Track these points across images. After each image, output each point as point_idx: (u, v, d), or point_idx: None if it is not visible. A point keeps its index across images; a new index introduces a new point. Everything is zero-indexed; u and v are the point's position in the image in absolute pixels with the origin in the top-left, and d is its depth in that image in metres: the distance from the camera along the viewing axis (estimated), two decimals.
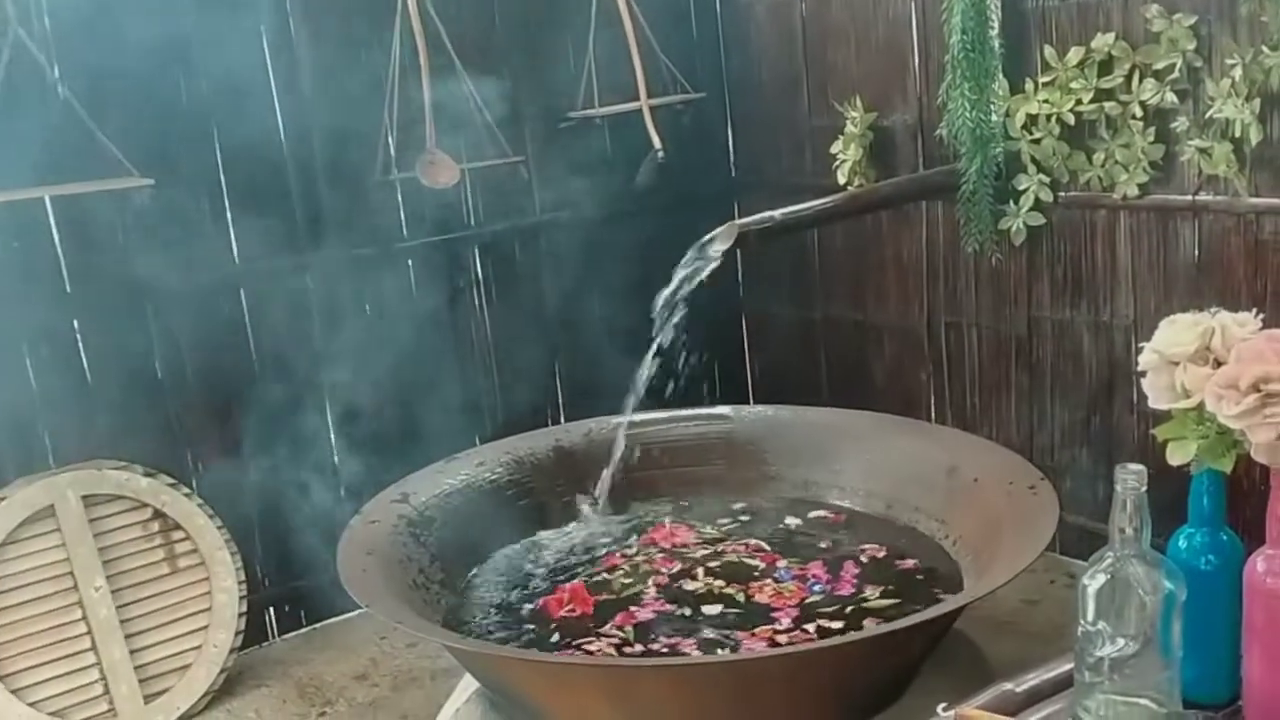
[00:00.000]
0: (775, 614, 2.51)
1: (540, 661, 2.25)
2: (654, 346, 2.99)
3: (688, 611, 2.52)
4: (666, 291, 2.98)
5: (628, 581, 2.67)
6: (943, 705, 1.80)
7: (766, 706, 2.16)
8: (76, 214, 3.18)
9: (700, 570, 2.70)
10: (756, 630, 2.42)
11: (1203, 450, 1.68)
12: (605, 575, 2.72)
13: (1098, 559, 1.74)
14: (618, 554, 2.82)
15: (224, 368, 3.46)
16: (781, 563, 2.75)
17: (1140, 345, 1.88)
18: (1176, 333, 1.74)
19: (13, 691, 3.01)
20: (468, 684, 2.59)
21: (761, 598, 2.59)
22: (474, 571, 2.77)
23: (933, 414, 3.87)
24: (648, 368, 3.04)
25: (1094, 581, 1.71)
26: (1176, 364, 1.72)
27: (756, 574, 2.69)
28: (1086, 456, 3.45)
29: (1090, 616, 1.71)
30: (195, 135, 3.33)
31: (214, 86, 3.34)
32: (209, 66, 3.32)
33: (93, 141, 3.04)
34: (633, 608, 2.54)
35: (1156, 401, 1.79)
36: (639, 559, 2.78)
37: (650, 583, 2.65)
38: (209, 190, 3.38)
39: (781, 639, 2.37)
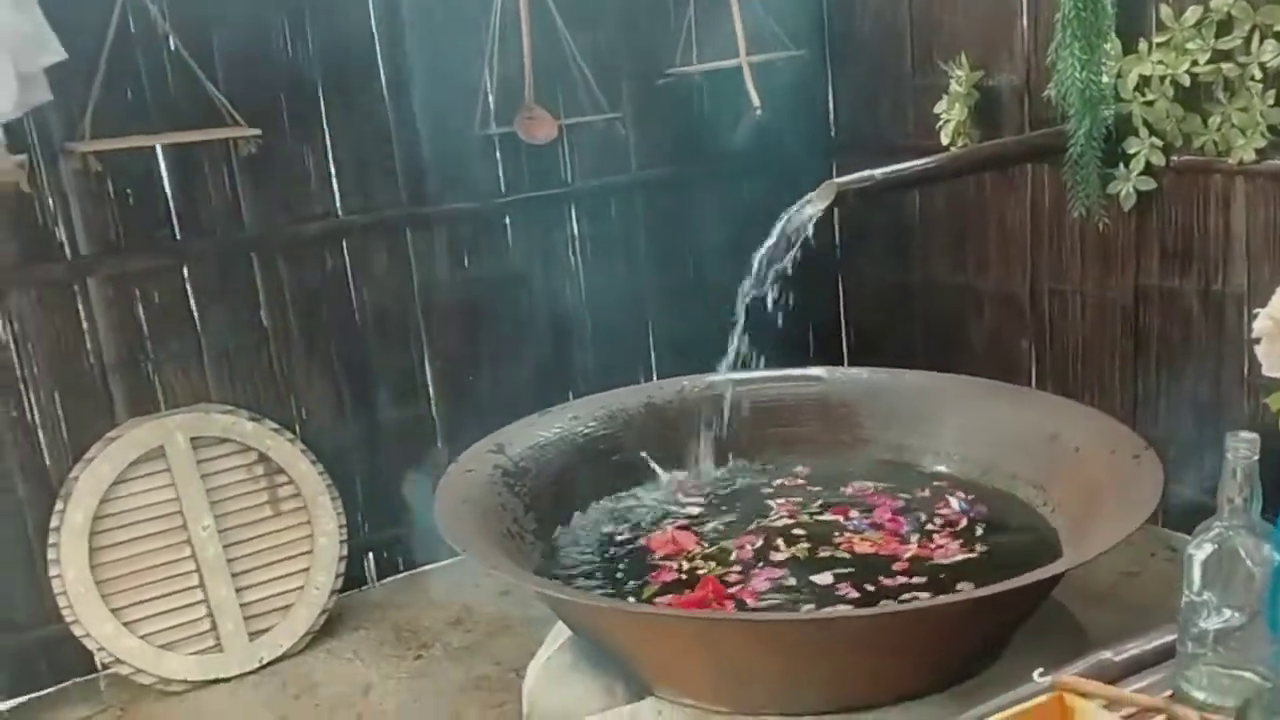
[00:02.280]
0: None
1: (632, 612, 2.27)
2: (747, 305, 2.97)
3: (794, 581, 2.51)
4: (763, 250, 2.95)
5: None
6: (1039, 671, 1.78)
7: (857, 667, 2.17)
8: (186, 163, 3.26)
9: (782, 541, 2.70)
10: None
11: None
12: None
13: (1205, 528, 1.71)
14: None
15: (327, 317, 3.54)
16: (854, 513, 2.79)
17: (1255, 313, 1.83)
18: None
19: (125, 624, 3.13)
20: (560, 632, 2.63)
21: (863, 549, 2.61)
22: (567, 523, 2.81)
23: (1033, 382, 3.80)
24: (741, 327, 3.03)
25: (1201, 551, 1.68)
26: None
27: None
28: (1193, 428, 3.36)
29: (1196, 586, 1.68)
30: (301, 88, 3.39)
31: (319, 39, 3.38)
32: (315, 19, 3.37)
33: (202, 92, 3.11)
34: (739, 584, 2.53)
35: (1271, 369, 1.74)
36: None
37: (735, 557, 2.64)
38: (313, 142, 3.44)
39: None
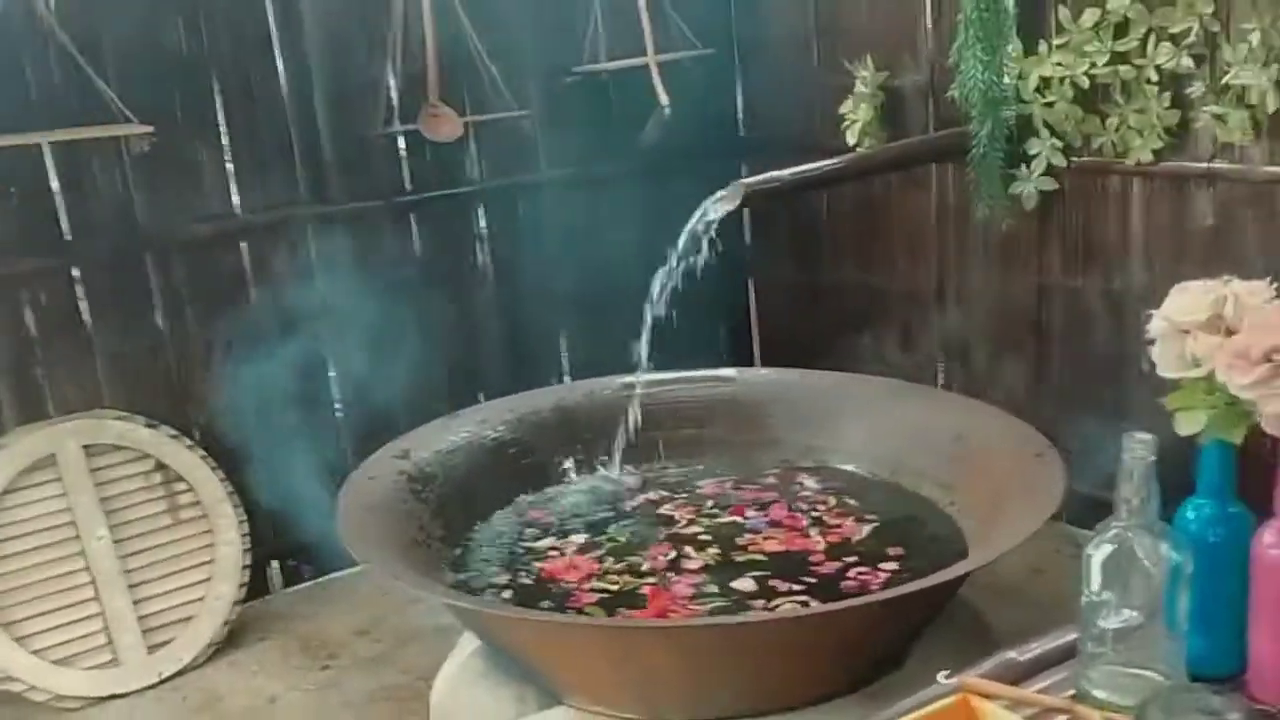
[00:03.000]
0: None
1: (539, 621, 2.24)
2: (655, 309, 2.96)
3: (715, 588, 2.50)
4: (674, 252, 2.94)
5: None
6: (944, 673, 1.79)
7: (765, 671, 2.16)
8: (75, 161, 3.14)
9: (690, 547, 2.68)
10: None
11: (1212, 421, 1.66)
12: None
13: (1104, 528, 1.73)
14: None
15: (225, 320, 3.43)
16: (750, 511, 2.81)
17: (1151, 313, 1.86)
18: (1188, 300, 1.72)
19: (16, 640, 3.01)
20: (469, 640, 2.59)
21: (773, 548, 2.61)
22: (475, 529, 2.76)
23: (940, 380, 3.84)
24: (650, 330, 3.01)
25: (1099, 551, 1.70)
26: (1187, 332, 1.70)
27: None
28: (1094, 426, 3.41)
29: (1095, 587, 1.70)
30: (195, 83, 3.29)
31: (215, 33, 3.29)
32: (210, 12, 3.27)
33: (91, 87, 3.00)
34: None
35: (1165, 370, 1.77)
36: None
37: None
38: (209, 140, 3.34)
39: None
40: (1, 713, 3.05)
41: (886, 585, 2.42)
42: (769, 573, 2.52)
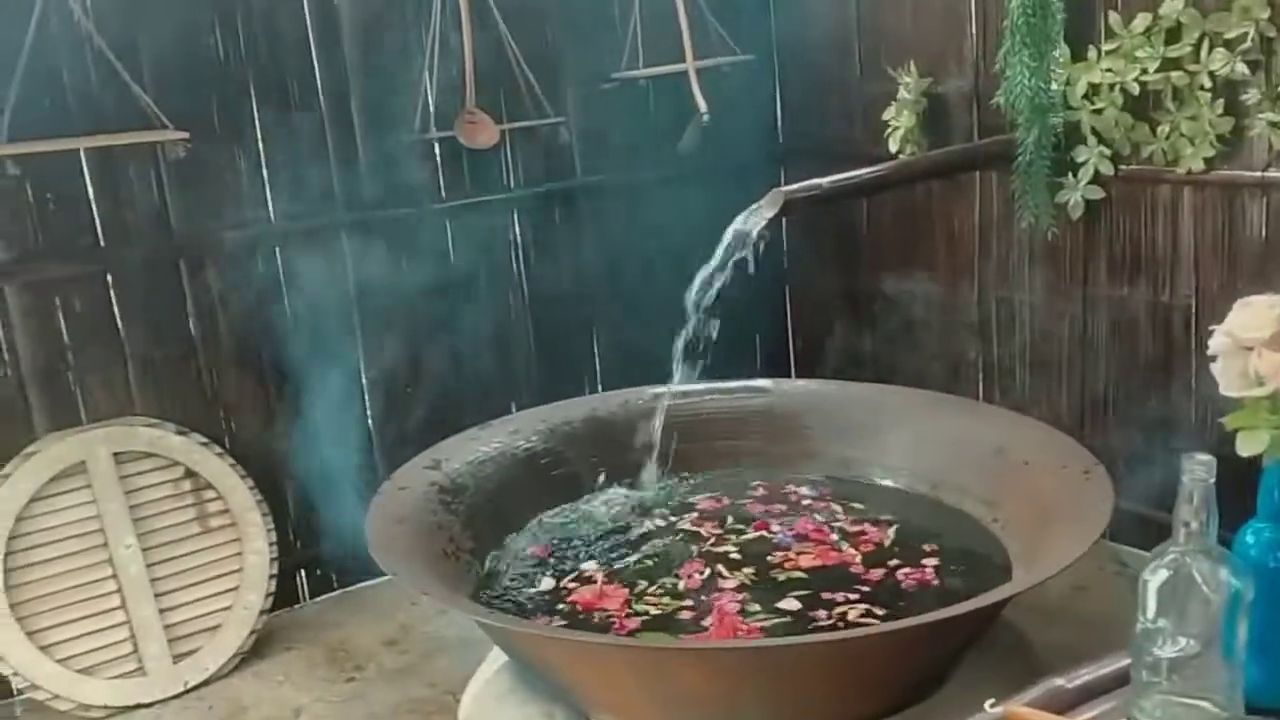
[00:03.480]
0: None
1: (569, 641, 2.18)
2: (691, 318, 2.91)
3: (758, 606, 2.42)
4: (711, 264, 2.89)
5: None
6: (990, 701, 1.72)
7: (800, 694, 2.09)
8: (110, 167, 3.13)
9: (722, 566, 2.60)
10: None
11: (1275, 441, 1.58)
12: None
13: (1160, 553, 1.65)
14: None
15: (258, 326, 3.41)
16: (775, 525, 2.75)
17: (1210, 328, 1.78)
18: (1252, 316, 1.64)
19: (41, 648, 3.00)
20: (498, 654, 2.54)
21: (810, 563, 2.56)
22: (506, 541, 2.71)
23: (981, 392, 3.76)
24: (686, 339, 2.96)
25: (1155, 577, 1.63)
26: (1250, 349, 1.62)
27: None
28: (1140, 440, 3.33)
29: (1150, 613, 1.63)
30: (231, 89, 3.27)
31: (252, 39, 3.27)
32: (248, 18, 3.26)
33: (127, 93, 2.99)
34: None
35: (1228, 388, 1.69)
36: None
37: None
38: (245, 146, 3.32)
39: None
40: None
41: (932, 589, 2.35)
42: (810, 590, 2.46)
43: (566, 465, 2.92)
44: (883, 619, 2.28)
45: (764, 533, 2.73)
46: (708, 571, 2.54)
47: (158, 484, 3.20)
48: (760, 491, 2.95)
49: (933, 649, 2.15)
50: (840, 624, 2.29)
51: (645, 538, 2.72)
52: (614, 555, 2.66)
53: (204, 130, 3.19)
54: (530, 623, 2.30)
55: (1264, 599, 1.62)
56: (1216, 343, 1.73)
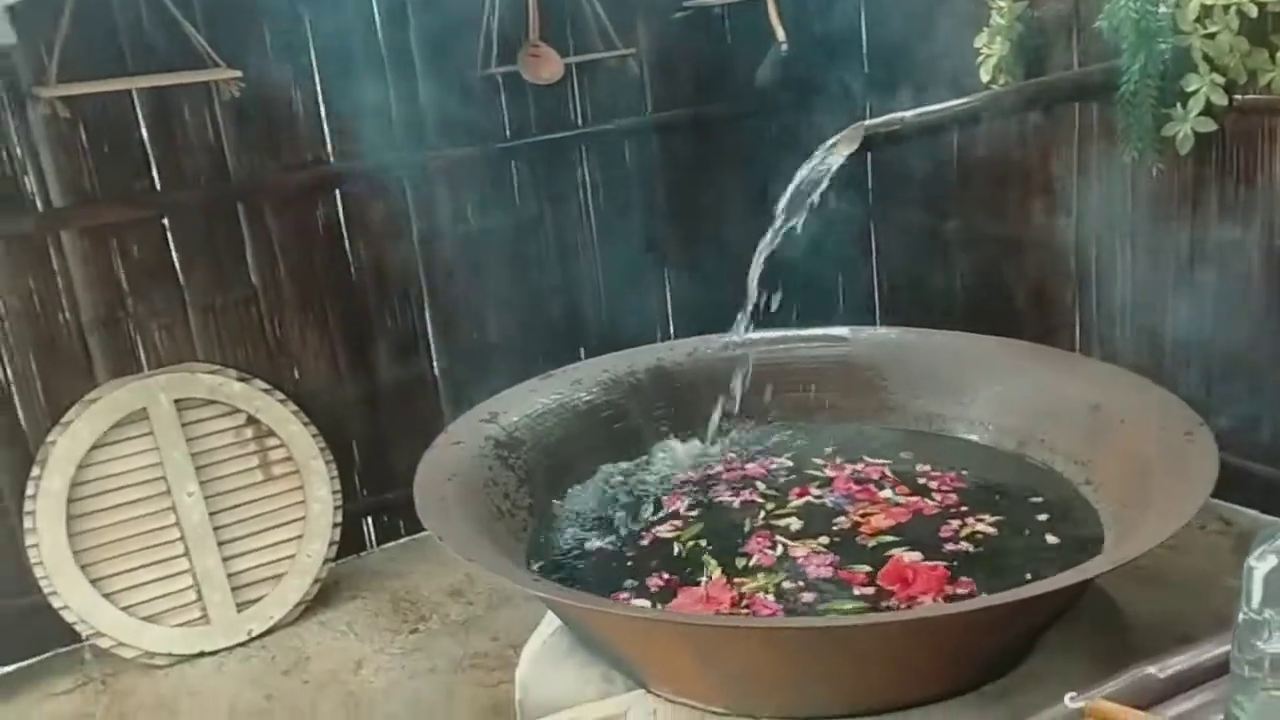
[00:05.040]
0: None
1: (621, 615, 2.06)
2: (764, 259, 2.74)
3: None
4: (784, 199, 2.71)
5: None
6: (1070, 695, 1.57)
7: (871, 671, 1.96)
8: (164, 108, 3.05)
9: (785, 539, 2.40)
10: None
11: None
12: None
13: (1268, 536, 1.47)
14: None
15: (320, 271, 3.33)
16: (813, 489, 2.58)
17: None
18: None
19: (105, 595, 2.99)
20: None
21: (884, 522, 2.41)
22: (565, 499, 2.60)
23: (1078, 341, 3.52)
24: (758, 283, 2.79)
25: (1264, 564, 1.46)
26: None
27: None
28: (1249, 392, 3.09)
29: (1256, 604, 1.46)
30: (286, 27, 3.16)
31: None
32: None
33: (179, 31, 2.90)
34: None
35: None
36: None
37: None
38: (302, 85, 3.22)
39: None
40: (90, 668, 3.04)
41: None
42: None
43: (628, 419, 2.78)
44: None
45: (808, 499, 2.55)
46: (779, 548, 2.34)
47: (220, 431, 3.16)
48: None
49: (1008, 629, 1.99)
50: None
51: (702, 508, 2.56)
52: (665, 533, 2.48)
53: (260, 69, 3.10)
54: (578, 593, 2.17)
55: None
56: None
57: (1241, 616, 1.49)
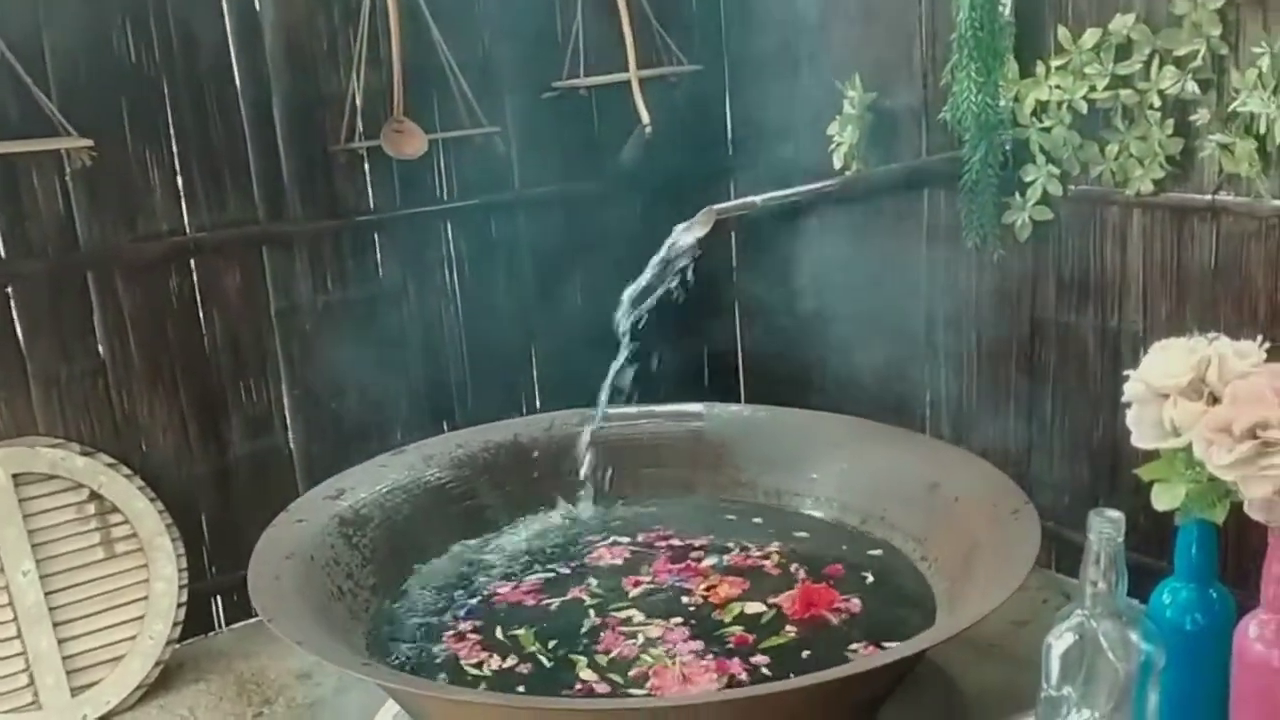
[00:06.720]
0: None
1: (449, 700, 2.03)
2: (623, 338, 2.79)
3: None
4: (638, 282, 2.78)
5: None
6: None
7: None
8: (11, 176, 2.97)
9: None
10: None
11: (1192, 497, 1.46)
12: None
13: (1065, 615, 1.54)
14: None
15: (172, 344, 3.26)
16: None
17: (1125, 373, 1.67)
18: (1168, 361, 1.52)
19: None
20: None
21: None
22: (409, 579, 2.57)
23: (928, 416, 3.63)
24: (620, 360, 2.84)
25: (1060, 642, 1.52)
26: (1166, 397, 1.50)
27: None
28: (1088, 471, 3.22)
29: (1054, 681, 1.51)
30: (144, 95, 3.12)
31: (166, 41, 3.12)
32: (161, 19, 3.11)
33: (29, 97, 2.85)
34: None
35: (1141, 439, 1.57)
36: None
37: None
38: (158, 154, 3.16)
39: None
40: None
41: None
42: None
43: (479, 496, 2.78)
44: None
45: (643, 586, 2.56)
46: (640, 637, 2.32)
47: (61, 507, 3.03)
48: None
49: (844, 702, 2.02)
50: None
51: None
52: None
53: (114, 138, 3.04)
54: (405, 676, 2.14)
55: (1179, 665, 1.50)
56: (1131, 389, 1.61)
57: (1042, 694, 1.54)
